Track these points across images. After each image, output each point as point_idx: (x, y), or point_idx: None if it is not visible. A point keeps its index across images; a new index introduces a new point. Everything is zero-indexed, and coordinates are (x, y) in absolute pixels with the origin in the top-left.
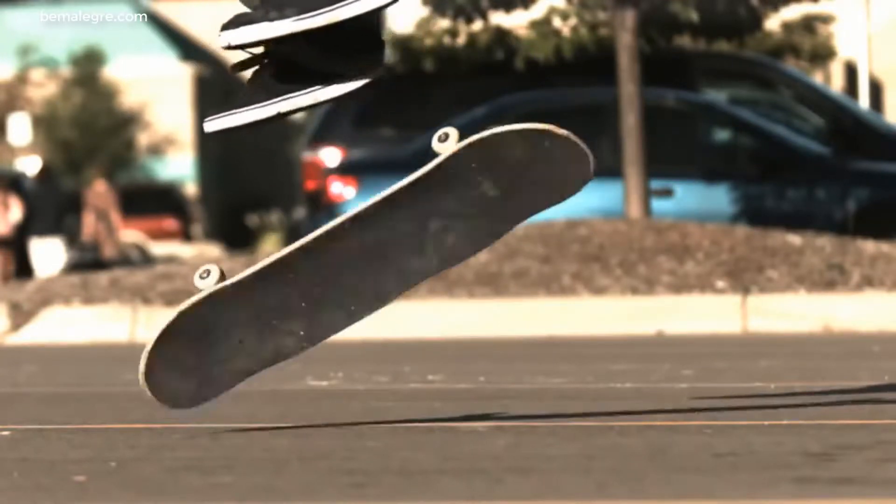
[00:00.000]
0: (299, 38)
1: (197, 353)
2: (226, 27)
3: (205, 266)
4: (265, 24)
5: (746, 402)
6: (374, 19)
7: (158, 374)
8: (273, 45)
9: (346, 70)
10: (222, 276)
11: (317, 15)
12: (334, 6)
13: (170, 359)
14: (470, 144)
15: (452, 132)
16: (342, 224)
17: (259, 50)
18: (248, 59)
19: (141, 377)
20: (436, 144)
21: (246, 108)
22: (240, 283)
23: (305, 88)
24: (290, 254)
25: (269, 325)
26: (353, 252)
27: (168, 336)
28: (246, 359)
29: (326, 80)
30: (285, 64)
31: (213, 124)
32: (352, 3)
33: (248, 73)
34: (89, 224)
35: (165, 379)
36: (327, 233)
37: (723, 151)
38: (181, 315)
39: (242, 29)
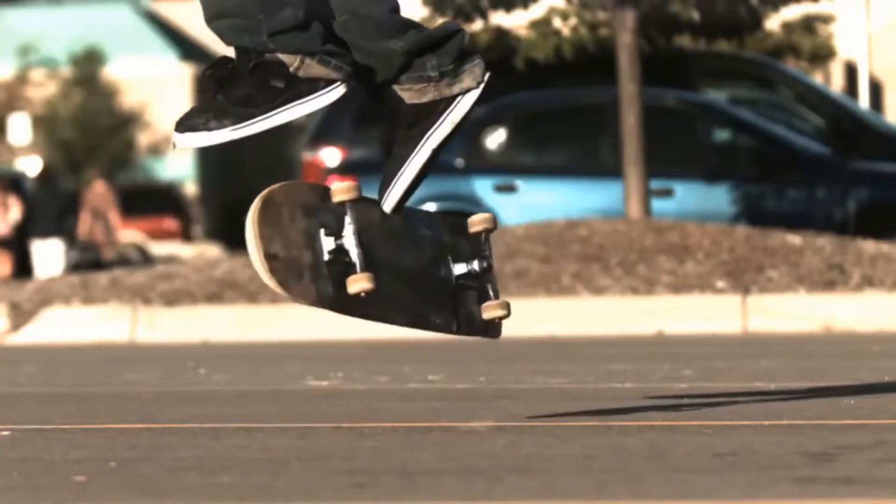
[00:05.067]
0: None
1: None
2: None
3: None
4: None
5: (746, 402)
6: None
7: None
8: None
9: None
10: None
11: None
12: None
13: None
14: None
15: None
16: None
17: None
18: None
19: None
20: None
21: (225, 127)
22: None
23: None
24: None
25: None
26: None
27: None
28: None
29: (293, 100)
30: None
31: (185, 140)
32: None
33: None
34: (85, 223)
35: None
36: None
37: (723, 151)
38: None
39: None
